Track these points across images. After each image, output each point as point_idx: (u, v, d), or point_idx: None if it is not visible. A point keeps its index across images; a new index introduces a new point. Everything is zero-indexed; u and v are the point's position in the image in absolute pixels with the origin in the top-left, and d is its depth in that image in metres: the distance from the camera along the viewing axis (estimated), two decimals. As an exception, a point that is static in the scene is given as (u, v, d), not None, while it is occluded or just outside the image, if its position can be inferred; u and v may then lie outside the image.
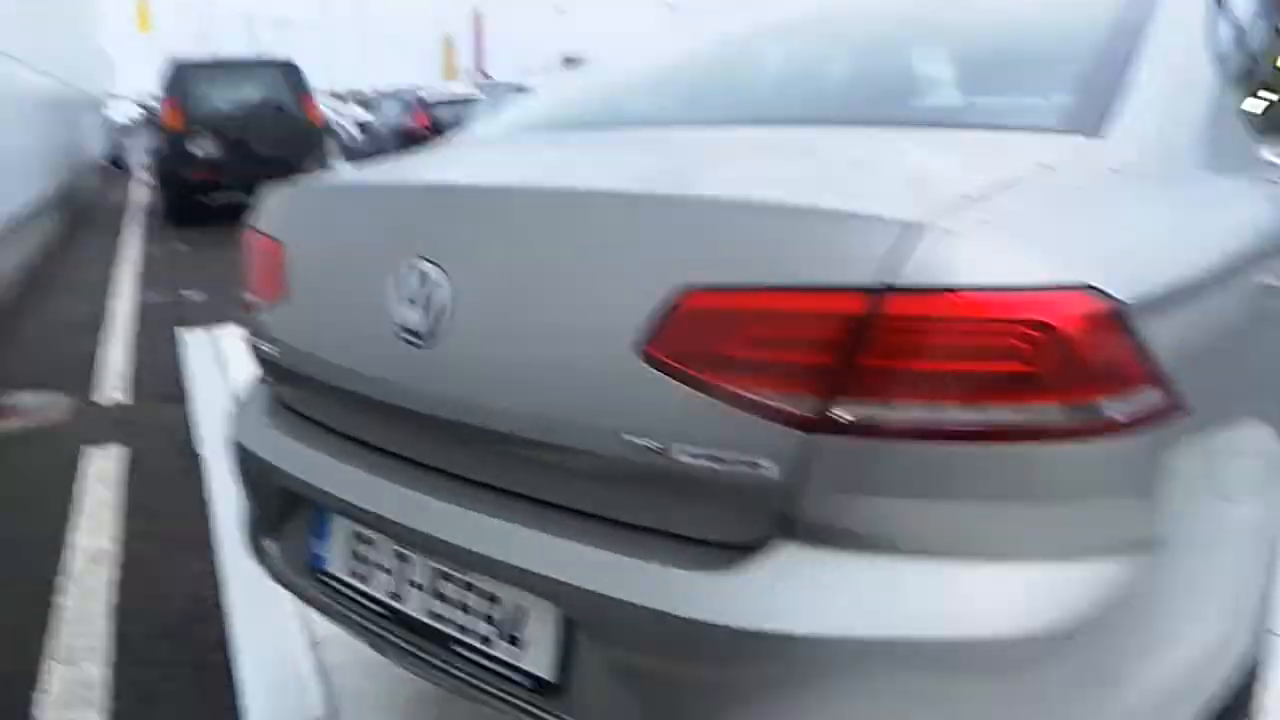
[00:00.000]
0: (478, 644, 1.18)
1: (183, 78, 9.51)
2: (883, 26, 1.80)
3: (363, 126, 15.71)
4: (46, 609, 2.22)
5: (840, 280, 0.92)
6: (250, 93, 9.79)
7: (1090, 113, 1.24)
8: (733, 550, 0.99)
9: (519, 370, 1.11)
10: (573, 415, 1.06)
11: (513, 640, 1.15)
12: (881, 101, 1.59)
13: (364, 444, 1.36)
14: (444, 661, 1.21)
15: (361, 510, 1.29)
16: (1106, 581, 0.94)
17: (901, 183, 1.13)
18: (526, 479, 1.16)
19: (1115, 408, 0.92)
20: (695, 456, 0.97)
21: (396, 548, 1.28)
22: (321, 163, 9.63)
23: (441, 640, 1.21)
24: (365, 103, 19.89)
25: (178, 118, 9.35)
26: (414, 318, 1.19)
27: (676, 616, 0.97)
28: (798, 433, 0.93)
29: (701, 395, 0.96)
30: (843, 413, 0.91)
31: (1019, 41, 1.58)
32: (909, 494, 0.93)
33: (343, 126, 15.96)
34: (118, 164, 17.21)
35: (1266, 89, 1.76)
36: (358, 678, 1.88)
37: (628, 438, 1.01)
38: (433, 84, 18.93)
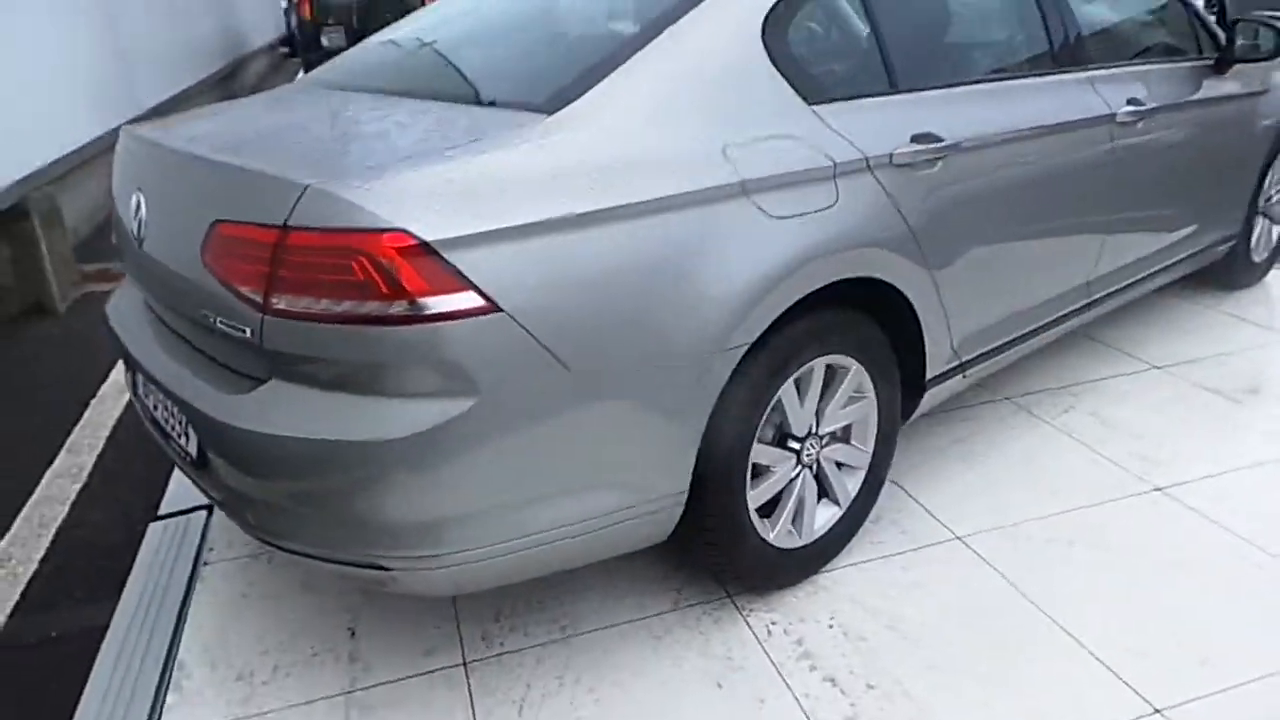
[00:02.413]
0: (178, 436, 1.89)
1: (322, 6, 10.36)
2: (501, 15, 2.31)
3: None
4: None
5: (267, 219, 1.51)
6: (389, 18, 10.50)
7: (558, 95, 1.72)
8: (254, 381, 1.64)
9: (166, 264, 1.78)
10: (190, 294, 1.72)
11: (186, 435, 1.85)
12: (444, 79, 2.12)
13: (153, 313, 2.08)
14: (171, 446, 1.94)
15: (133, 358, 2.02)
16: (437, 411, 1.51)
17: (341, 152, 1.71)
18: (185, 332, 1.85)
19: (435, 304, 1.47)
20: (224, 324, 1.62)
21: (144, 378, 2.00)
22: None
23: (166, 435, 1.94)
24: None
25: (308, 7, 10.31)
26: (134, 226, 1.89)
27: (220, 420, 1.64)
28: (259, 314, 1.55)
29: (221, 287, 1.60)
30: (275, 302, 1.52)
31: (587, 33, 2.00)
32: (324, 354, 1.53)
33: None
34: (291, 47, 18.63)
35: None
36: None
37: (202, 311, 1.67)
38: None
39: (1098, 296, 2.87)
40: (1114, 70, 2.74)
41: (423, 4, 10.53)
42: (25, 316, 4.15)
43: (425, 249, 1.46)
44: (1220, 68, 3.12)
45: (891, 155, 2.03)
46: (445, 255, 1.47)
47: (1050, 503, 2.45)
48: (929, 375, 2.31)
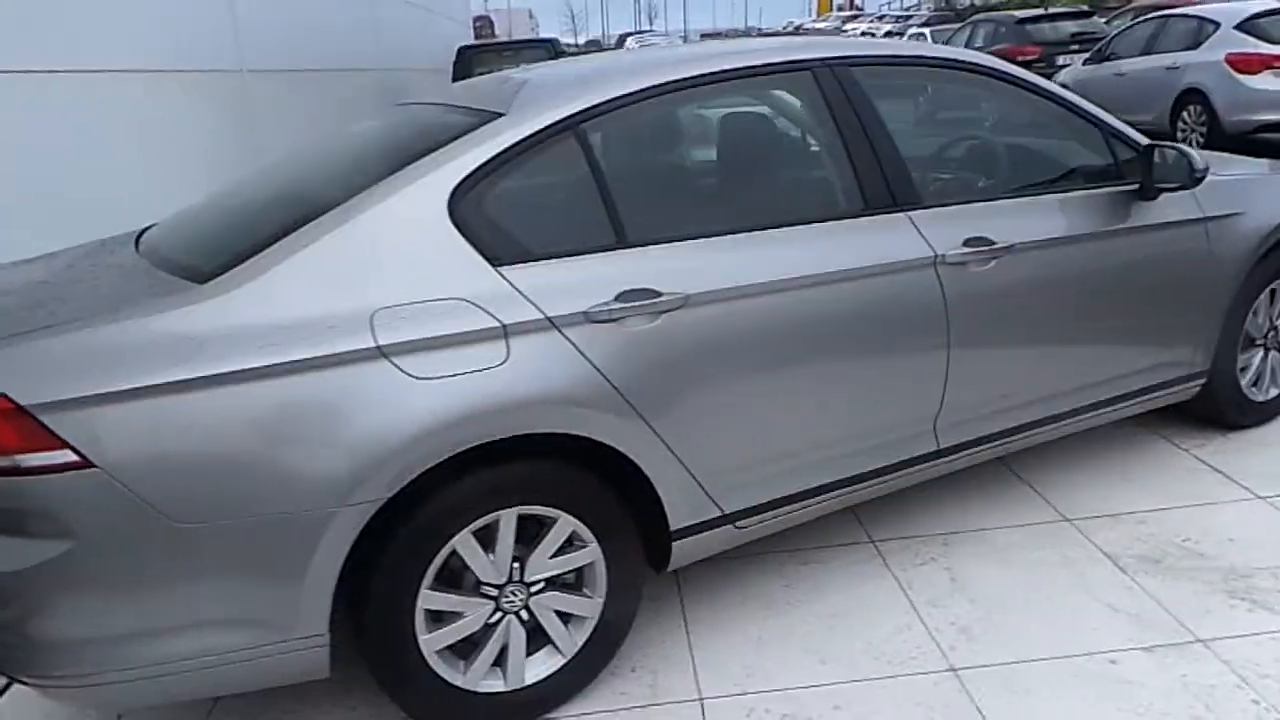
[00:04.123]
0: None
1: (464, 59, 11.38)
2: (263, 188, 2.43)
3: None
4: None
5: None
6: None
7: (218, 263, 1.91)
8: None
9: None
10: None
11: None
12: (175, 247, 2.22)
13: None
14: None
15: None
16: (38, 551, 1.72)
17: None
18: None
19: (29, 460, 1.68)
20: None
21: None
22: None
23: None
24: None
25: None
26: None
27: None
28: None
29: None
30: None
31: (298, 201, 2.15)
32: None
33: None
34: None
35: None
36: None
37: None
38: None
39: (957, 444, 2.64)
40: (958, 207, 2.55)
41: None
42: None
43: (21, 411, 1.69)
44: (1147, 194, 2.81)
45: (588, 313, 2.05)
46: (41, 416, 1.69)
47: (817, 672, 2.29)
48: (674, 527, 2.26)
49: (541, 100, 2.21)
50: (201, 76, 6.51)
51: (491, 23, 73.96)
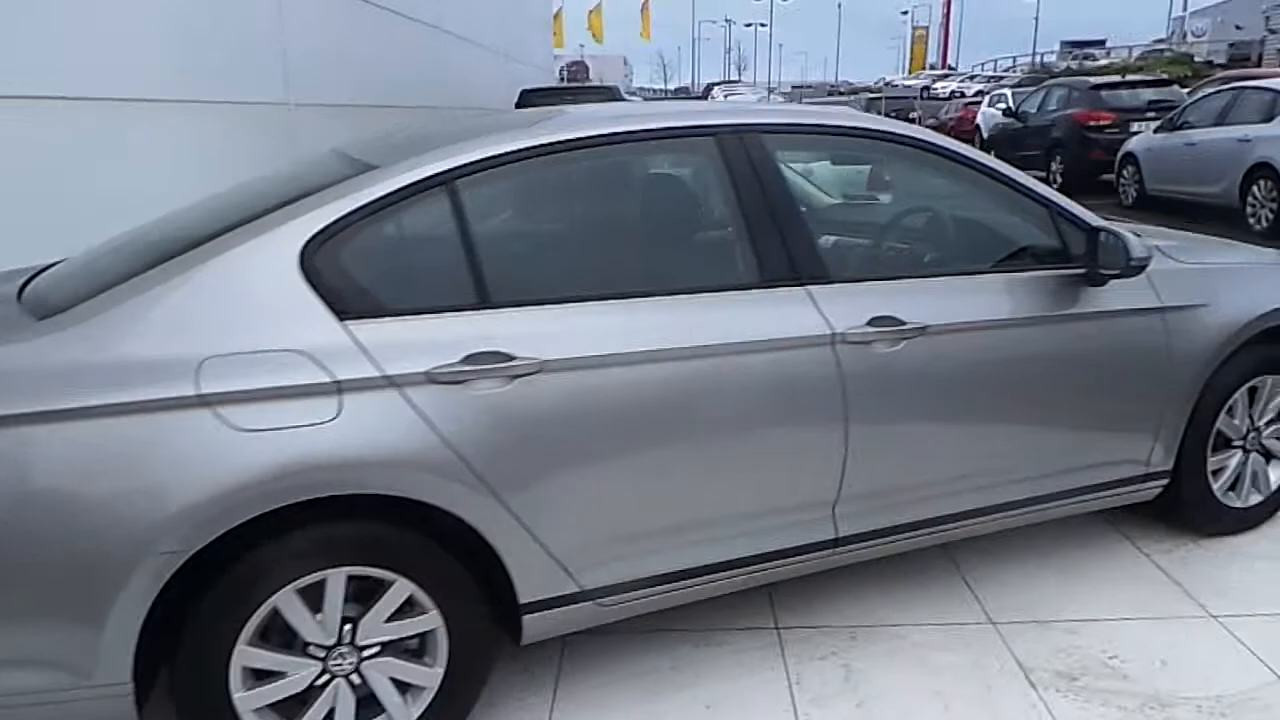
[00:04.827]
0: None
1: (526, 101, 11.59)
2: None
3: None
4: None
5: None
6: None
7: (60, 304, 1.92)
8: None
9: None
10: None
11: None
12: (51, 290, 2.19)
13: None
14: None
15: None
16: None
17: None
18: None
19: None
20: None
21: None
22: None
23: None
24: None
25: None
26: None
27: None
28: None
29: None
30: None
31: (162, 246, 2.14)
32: None
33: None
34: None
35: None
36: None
37: None
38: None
39: (859, 532, 2.48)
40: (870, 284, 2.42)
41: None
42: None
43: None
44: (1093, 280, 2.62)
45: (430, 373, 1.99)
46: None
47: (665, 768, 2.15)
48: (524, 600, 2.16)
49: (417, 155, 2.19)
50: (248, 108, 6.76)
51: (586, 68, 75.86)
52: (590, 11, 50.64)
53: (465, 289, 2.11)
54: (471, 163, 2.18)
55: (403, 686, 2.13)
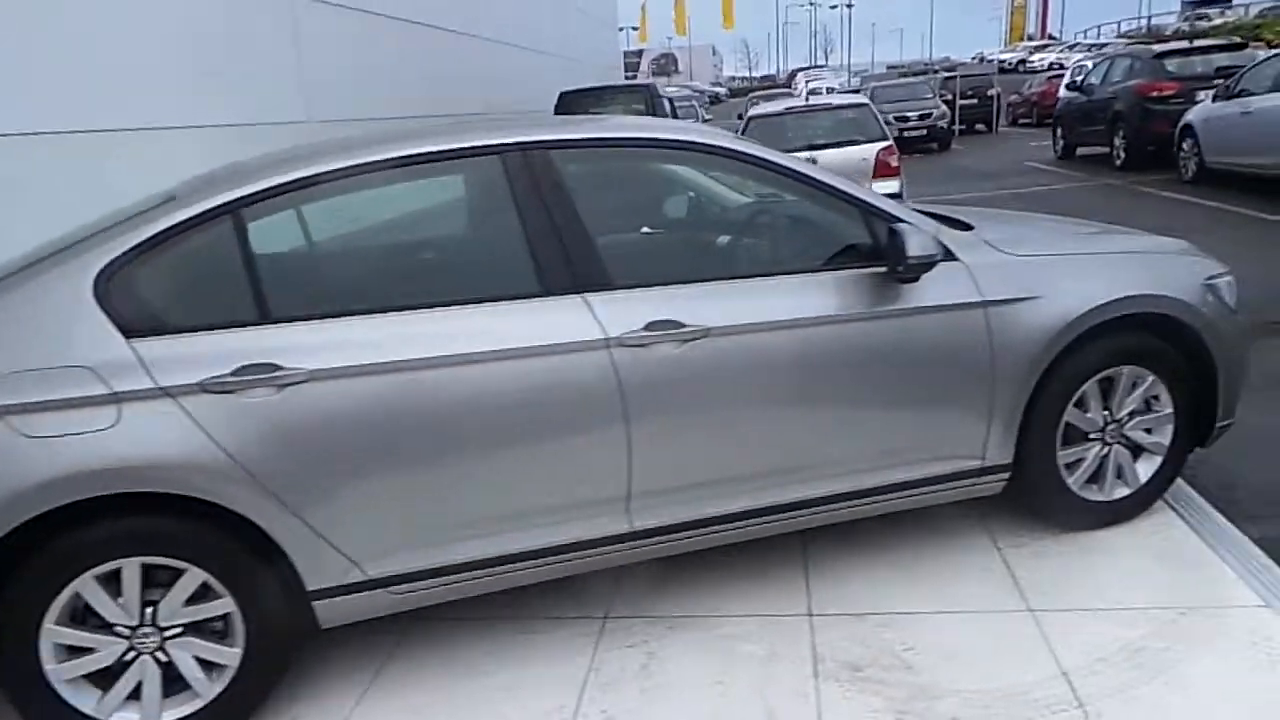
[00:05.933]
0: None
1: (565, 102, 11.81)
2: None
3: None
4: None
5: None
6: (614, 113, 11.79)
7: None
8: None
9: None
10: None
11: None
12: None
13: None
14: None
15: None
16: None
17: None
18: None
19: None
20: None
21: None
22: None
23: None
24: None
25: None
26: None
27: None
28: None
29: None
30: None
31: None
32: None
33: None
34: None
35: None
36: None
37: None
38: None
39: (655, 526, 2.59)
40: (650, 289, 2.51)
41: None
42: None
43: None
44: (901, 275, 2.64)
45: (202, 383, 2.23)
46: None
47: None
48: (311, 588, 2.38)
49: (209, 185, 2.43)
50: (266, 129, 7.20)
51: (675, 59, 75.71)
52: (676, 3, 50.48)
53: (245, 306, 2.34)
54: (257, 192, 2.40)
55: (207, 665, 2.38)
